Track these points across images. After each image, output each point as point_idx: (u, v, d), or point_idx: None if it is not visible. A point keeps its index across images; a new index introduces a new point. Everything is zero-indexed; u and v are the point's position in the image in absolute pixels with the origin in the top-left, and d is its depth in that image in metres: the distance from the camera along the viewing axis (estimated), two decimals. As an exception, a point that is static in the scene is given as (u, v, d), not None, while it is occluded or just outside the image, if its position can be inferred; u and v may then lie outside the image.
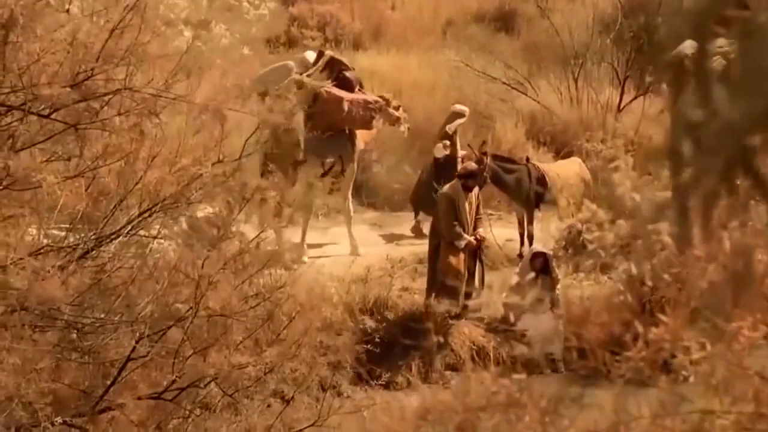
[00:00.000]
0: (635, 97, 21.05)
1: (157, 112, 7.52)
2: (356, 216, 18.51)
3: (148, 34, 7.36)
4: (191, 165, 7.90)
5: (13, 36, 7.16)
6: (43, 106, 7.50)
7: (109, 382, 8.73)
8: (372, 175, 18.90)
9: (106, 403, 8.75)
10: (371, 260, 16.38)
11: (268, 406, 9.49)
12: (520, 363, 14.87)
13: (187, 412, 8.99)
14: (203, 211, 8.81)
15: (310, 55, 17.16)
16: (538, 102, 20.71)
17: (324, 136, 16.42)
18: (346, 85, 16.74)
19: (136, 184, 8.02)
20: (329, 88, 16.51)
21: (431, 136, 19.15)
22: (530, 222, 17.13)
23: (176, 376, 8.60)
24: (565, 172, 17.28)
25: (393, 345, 14.58)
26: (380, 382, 14.16)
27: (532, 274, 15.31)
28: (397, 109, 17.79)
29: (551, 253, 16.14)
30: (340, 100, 16.48)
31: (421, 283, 16.08)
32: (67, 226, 8.29)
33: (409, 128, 17.94)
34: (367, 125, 17.06)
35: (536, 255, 15.56)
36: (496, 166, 16.88)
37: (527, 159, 17.53)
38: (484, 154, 16.93)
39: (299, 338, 8.34)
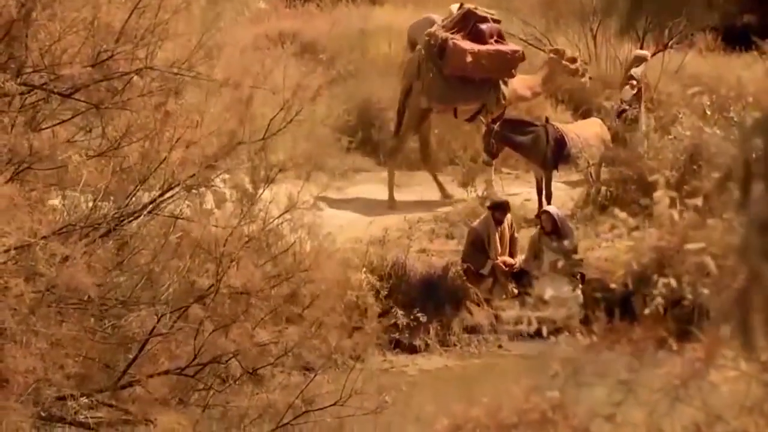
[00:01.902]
0: (654, 53, 20.85)
1: (178, 91, 7.49)
2: (373, 175, 18.46)
3: (169, 12, 7.30)
4: (216, 145, 7.88)
5: (34, 16, 7.12)
6: (65, 86, 7.47)
7: (131, 357, 8.76)
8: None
9: (128, 377, 8.78)
10: (389, 221, 16.34)
11: (290, 374, 9.45)
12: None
13: (208, 386, 9.01)
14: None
15: (455, 8, 17.85)
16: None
17: (457, 85, 17.08)
18: (479, 36, 17.26)
19: (161, 163, 8.00)
20: (457, 40, 17.11)
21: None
22: (548, 183, 17.03)
23: (197, 354, 8.62)
24: (585, 132, 17.15)
25: (411, 308, 14.57)
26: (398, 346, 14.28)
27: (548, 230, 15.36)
28: (573, 61, 18.12)
29: (566, 213, 16.14)
30: (464, 51, 17.06)
31: (439, 244, 16.08)
32: (91, 204, 8.29)
33: (591, 78, 18.48)
34: (503, 74, 17.51)
35: (544, 214, 15.57)
36: (504, 132, 16.79)
37: (546, 119, 17.42)
38: (494, 121, 16.87)
39: (320, 317, 8.34)
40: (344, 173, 18.09)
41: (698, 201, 5.42)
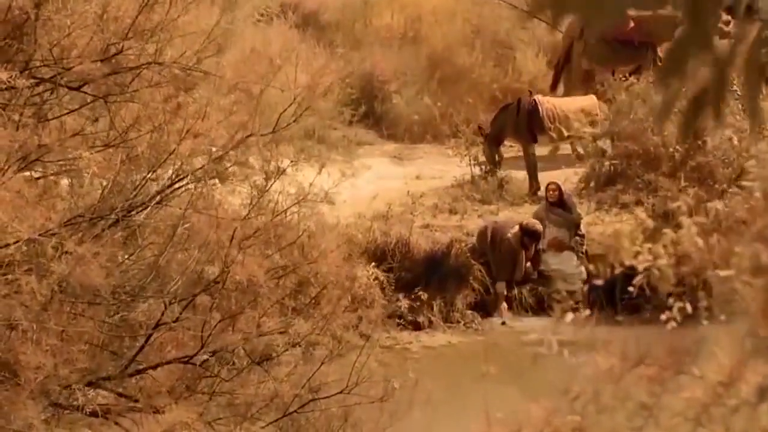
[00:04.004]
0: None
1: (187, 88, 7.46)
2: (376, 148, 18.43)
3: (179, 8, 7.26)
4: (225, 137, 7.85)
5: (44, 11, 7.07)
6: (73, 79, 7.43)
7: (138, 346, 8.75)
8: (391, 106, 18.75)
9: (135, 365, 8.78)
10: (392, 195, 16.29)
11: (295, 366, 9.45)
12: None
13: (215, 374, 9.01)
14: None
15: None
16: (560, 30, 20.40)
17: (618, 47, 17.82)
18: None
19: (170, 154, 7.96)
20: None
21: (451, 65, 18.99)
22: (525, 154, 17.00)
23: (204, 343, 8.62)
24: (567, 105, 17.12)
25: (415, 284, 14.57)
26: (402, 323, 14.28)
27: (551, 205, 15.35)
28: (726, 24, 18.38)
29: (571, 188, 16.12)
30: (627, 16, 17.56)
31: (442, 219, 16.05)
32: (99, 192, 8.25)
33: None
34: (663, 39, 17.81)
35: (550, 184, 15.55)
36: (493, 130, 16.82)
37: (530, 92, 17.43)
38: (486, 135, 16.89)
39: (328, 313, 8.34)
40: (346, 145, 18.04)
41: (717, 204, 5.40)
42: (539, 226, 15.08)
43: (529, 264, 15.15)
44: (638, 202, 15.79)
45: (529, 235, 14.94)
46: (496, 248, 14.99)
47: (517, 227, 15.01)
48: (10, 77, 6.83)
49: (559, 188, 15.49)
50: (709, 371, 4.21)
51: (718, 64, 2.32)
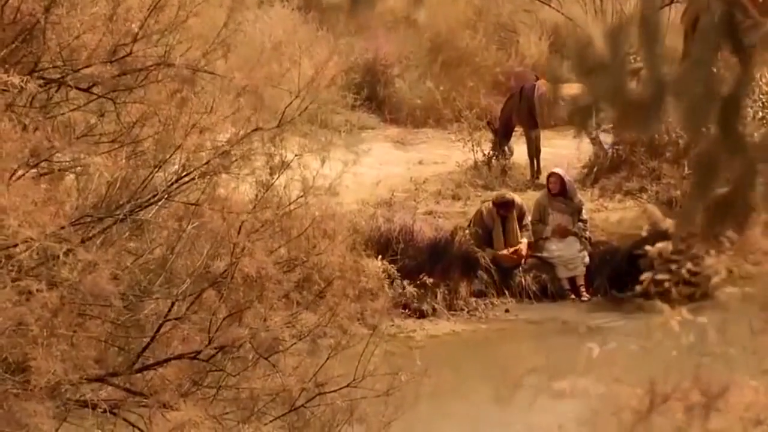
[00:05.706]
0: (661, 7, 20.68)
1: (195, 91, 7.47)
2: (378, 132, 18.40)
3: (188, 10, 7.27)
4: (231, 132, 7.86)
5: (53, 14, 7.08)
6: (81, 79, 7.43)
7: (145, 342, 8.77)
8: (394, 90, 18.72)
9: (142, 360, 8.81)
10: (395, 181, 16.29)
11: (300, 356, 9.47)
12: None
13: (221, 368, 9.03)
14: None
15: None
16: (562, 13, 20.37)
17: None
18: None
19: (176, 149, 7.96)
20: None
21: (454, 49, 18.95)
22: (529, 141, 17.01)
23: (211, 339, 8.64)
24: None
25: (419, 272, 14.56)
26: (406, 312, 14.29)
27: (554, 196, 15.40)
28: None
29: (573, 174, 16.14)
30: None
31: (446, 205, 16.06)
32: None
33: None
34: None
35: (551, 176, 15.57)
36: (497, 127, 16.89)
37: (536, 77, 17.41)
38: (489, 123, 16.88)
39: (334, 306, 8.35)
40: (349, 130, 17.99)
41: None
42: (509, 195, 15.28)
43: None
44: (642, 189, 15.83)
45: (502, 206, 15.03)
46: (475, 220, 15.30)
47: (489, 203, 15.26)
48: (21, 80, 6.83)
49: (560, 179, 15.50)
50: (738, 406, 4.19)
51: (748, 162, 2.32)
